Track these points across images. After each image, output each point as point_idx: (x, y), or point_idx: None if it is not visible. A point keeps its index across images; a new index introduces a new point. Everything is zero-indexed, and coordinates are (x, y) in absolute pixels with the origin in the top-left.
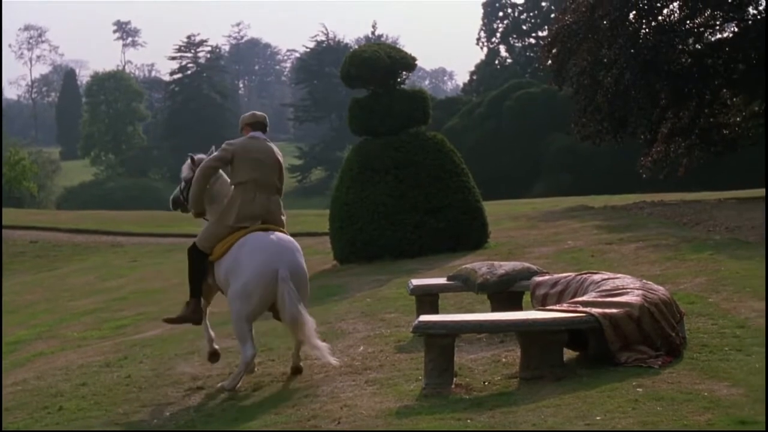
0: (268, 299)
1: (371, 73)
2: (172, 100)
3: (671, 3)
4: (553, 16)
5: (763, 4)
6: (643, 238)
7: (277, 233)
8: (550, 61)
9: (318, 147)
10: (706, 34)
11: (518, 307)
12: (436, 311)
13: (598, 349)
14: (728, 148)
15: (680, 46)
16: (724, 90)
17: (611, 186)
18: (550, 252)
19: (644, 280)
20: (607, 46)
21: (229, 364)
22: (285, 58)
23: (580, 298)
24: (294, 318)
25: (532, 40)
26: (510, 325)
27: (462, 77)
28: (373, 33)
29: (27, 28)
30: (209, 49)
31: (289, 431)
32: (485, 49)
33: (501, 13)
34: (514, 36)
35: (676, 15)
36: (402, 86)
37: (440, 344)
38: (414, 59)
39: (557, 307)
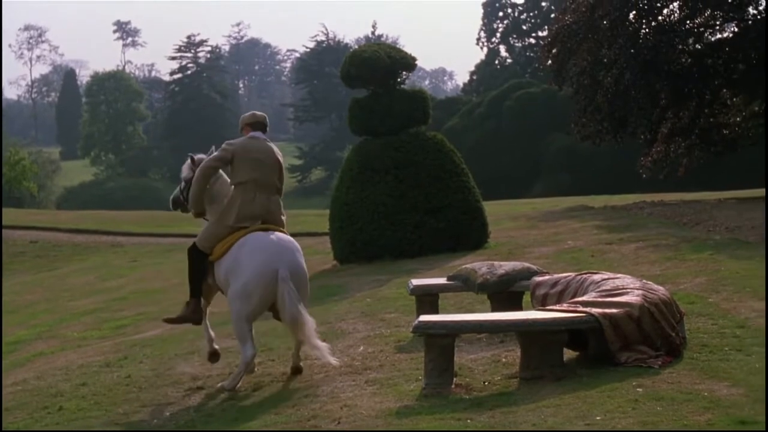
0: (268, 299)
1: (371, 73)
2: (172, 100)
3: (671, 3)
4: (553, 16)
5: (763, 4)
6: (643, 238)
7: (277, 233)
8: (550, 61)
9: (318, 147)
10: (706, 34)
11: (518, 307)
12: (436, 311)
13: (598, 349)
14: (728, 148)
15: (680, 46)
16: (724, 90)
17: (611, 186)
18: (550, 252)
19: (644, 280)
20: (607, 46)
21: (229, 364)
22: (285, 58)
23: (580, 298)
24: (294, 318)
25: (532, 40)
26: (510, 325)
27: (462, 77)
28: (373, 33)
29: (27, 28)
30: (209, 49)
31: (289, 431)
32: (485, 49)
33: (501, 13)
34: (514, 36)
35: (676, 15)
36: (402, 86)
37: (440, 344)
38: (414, 59)
39: (557, 307)
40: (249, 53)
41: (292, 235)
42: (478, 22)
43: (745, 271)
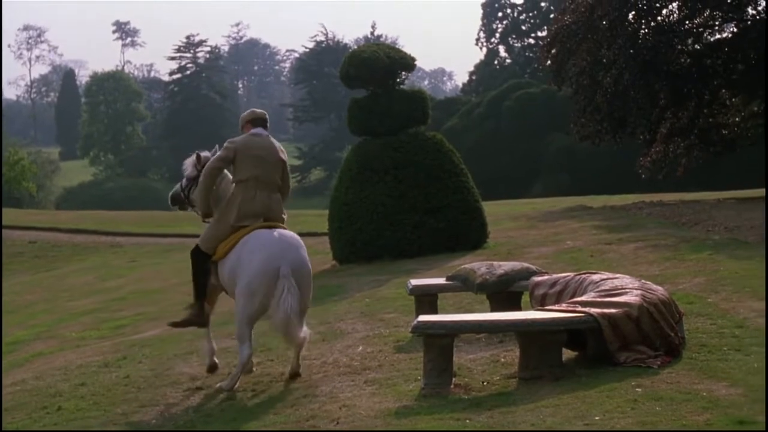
0: (272, 298)
1: (370, 73)
2: (171, 101)
3: (670, 3)
4: (552, 16)
5: (762, 4)
6: (642, 238)
7: (279, 230)
8: (549, 62)
9: (317, 147)
10: (705, 35)
11: (517, 307)
12: (435, 311)
13: (597, 349)
14: (727, 148)
15: (679, 47)
16: (723, 90)
17: (610, 186)
18: (549, 252)
19: (643, 280)
20: (606, 46)
21: (228, 364)
22: (284, 58)
23: (579, 298)
24: (286, 322)
25: (532, 41)
26: (509, 325)
27: (461, 77)
28: (372, 33)
29: (26, 28)
30: (208, 49)
31: (288, 431)
32: (484, 50)
33: (500, 14)
34: (514, 36)
35: (675, 15)
36: (401, 86)
37: (439, 344)
38: (413, 59)
39: (556, 307)
40: (248, 53)
41: None
42: (478, 23)
43: (744, 271)
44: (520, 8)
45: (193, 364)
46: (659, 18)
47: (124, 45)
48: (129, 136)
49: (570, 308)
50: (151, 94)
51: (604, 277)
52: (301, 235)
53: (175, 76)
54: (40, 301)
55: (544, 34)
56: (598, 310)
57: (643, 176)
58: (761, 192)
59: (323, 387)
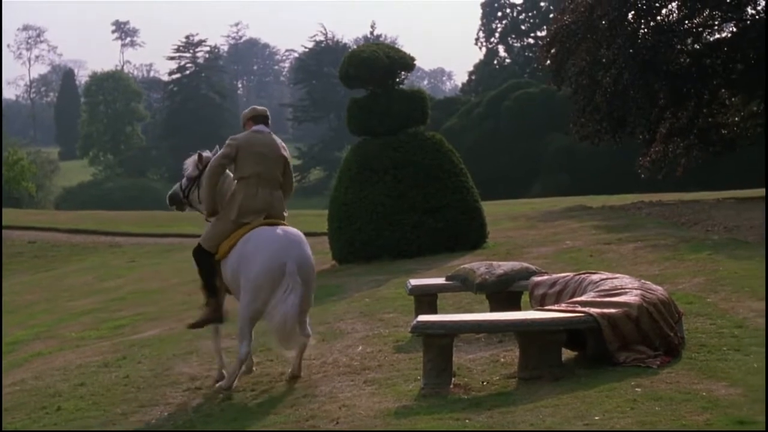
0: (274, 294)
1: (370, 73)
2: (170, 100)
3: (670, 3)
4: (551, 16)
5: (762, 4)
6: (641, 238)
7: (283, 226)
8: (548, 61)
9: (317, 147)
10: (704, 34)
11: (517, 307)
12: (434, 311)
13: (596, 349)
14: (727, 148)
15: (679, 46)
16: (723, 90)
17: (610, 186)
18: (549, 252)
19: (643, 280)
20: (605, 46)
21: (228, 364)
22: (284, 58)
23: (578, 298)
24: (283, 325)
25: (531, 40)
26: (508, 325)
27: (461, 77)
28: (371, 33)
29: (26, 28)
30: (208, 49)
31: (288, 431)
32: (484, 49)
33: (500, 13)
34: (513, 36)
35: (674, 15)
36: (400, 86)
37: (439, 344)
38: (412, 59)
39: (556, 307)
40: (248, 53)
41: None
42: (477, 22)
43: (744, 271)
44: (519, 8)
45: (192, 364)
46: (659, 18)
47: (123, 45)
48: (128, 136)
49: (569, 308)
50: (151, 94)
51: (604, 277)
52: None
53: (174, 76)
54: (39, 301)
55: (544, 33)
56: (598, 310)
57: (643, 176)
58: (761, 192)
59: (323, 387)
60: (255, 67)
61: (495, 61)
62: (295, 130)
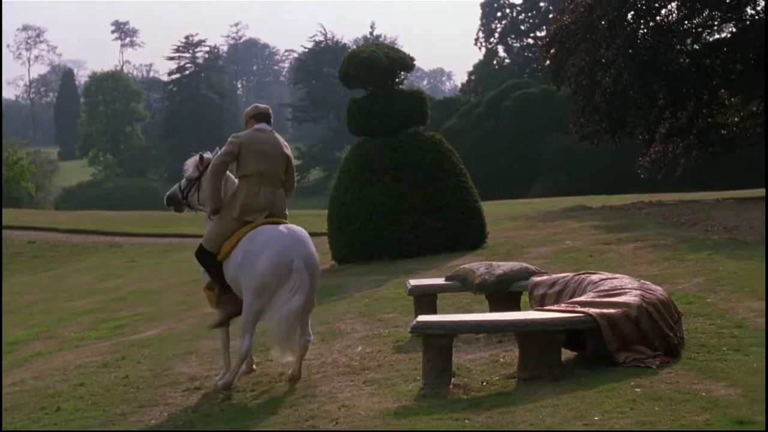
0: (279, 292)
1: (369, 73)
2: (170, 101)
3: (669, 3)
4: (551, 16)
5: (762, 4)
6: (641, 238)
7: (287, 225)
8: (548, 62)
9: (316, 147)
10: (704, 35)
11: (516, 308)
12: (434, 311)
13: (596, 349)
14: (726, 148)
15: (678, 47)
16: (722, 90)
17: (609, 186)
18: (549, 252)
19: (642, 281)
20: (605, 46)
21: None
22: (283, 58)
23: (578, 299)
24: (287, 326)
25: (531, 41)
26: (508, 325)
27: (460, 77)
28: (371, 33)
29: (25, 28)
30: (207, 49)
31: (288, 431)
32: (483, 50)
33: (499, 14)
34: (513, 36)
35: (674, 15)
36: (400, 86)
37: (438, 344)
38: (412, 59)
39: (555, 307)
40: (247, 53)
41: None
42: (477, 23)
43: (743, 271)
44: (519, 8)
45: (192, 364)
46: (658, 18)
47: (123, 45)
48: (128, 136)
49: (569, 308)
50: (150, 94)
51: (603, 277)
52: None
53: (174, 76)
54: (39, 301)
55: (543, 34)
56: (597, 311)
57: (642, 176)
58: (760, 192)
59: (322, 387)
60: (254, 68)
61: (494, 62)
62: (295, 130)
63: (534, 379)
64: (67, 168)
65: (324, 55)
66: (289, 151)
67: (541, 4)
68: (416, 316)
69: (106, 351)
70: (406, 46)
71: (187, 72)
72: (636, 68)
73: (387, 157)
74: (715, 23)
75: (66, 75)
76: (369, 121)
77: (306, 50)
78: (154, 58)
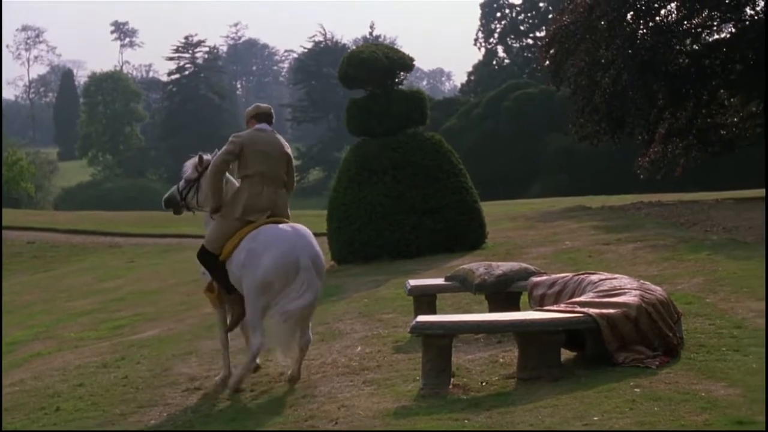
0: (285, 290)
1: (369, 73)
2: (169, 101)
3: (669, 3)
4: (550, 16)
5: (761, 4)
6: (640, 238)
7: (290, 224)
8: (547, 62)
9: (316, 147)
10: (703, 35)
11: (516, 308)
12: (433, 312)
13: (595, 349)
14: (726, 148)
15: (678, 47)
16: (722, 90)
17: (609, 186)
18: (548, 252)
19: (642, 281)
20: (604, 46)
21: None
22: (283, 58)
23: (577, 299)
24: (295, 319)
25: (530, 41)
26: (507, 325)
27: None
28: (370, 33)
29: (25, 28)
30: (207, 49)
31: (287, 431)
32: (483, 50)
33: (499, 14)
34: (512, 36)
35: (673, 15)
36: (400, 87)
37: (438, 345)
38: (412, 60)
39: (555, 307)
40: (247, 54)
41: None
42: (476, 23)
43: (743, 272)
44: (518, 8)
45: (191, 365)
46: (658, 18)
47: (122, 45)
48: (127, 136)
49: (568, 309)
50: (150, 95)
51: (603, 277)
52: None
53: (173, 77)
54: (38, 302)
55: (543, 34)
56: (597, 311)
57: (642, 176)
58: (760, 192)
59: (322, 387)
60: (254, 68)
61: (494, 62)
62: (294, 130)
63: (533, 380)
64: (66, 168)
65: (323, 56)
66: (289, 150)
67: (541, 4)
68: (416, 317)
69: (105, 351)
70: (406, 47)
71: (187, 72)
72: (635, 68)
73: (386, 158)
74: (715, 23)
75: (65, 75)
76: (368, 121)
77: (305, 50)
78: (154, 58)
